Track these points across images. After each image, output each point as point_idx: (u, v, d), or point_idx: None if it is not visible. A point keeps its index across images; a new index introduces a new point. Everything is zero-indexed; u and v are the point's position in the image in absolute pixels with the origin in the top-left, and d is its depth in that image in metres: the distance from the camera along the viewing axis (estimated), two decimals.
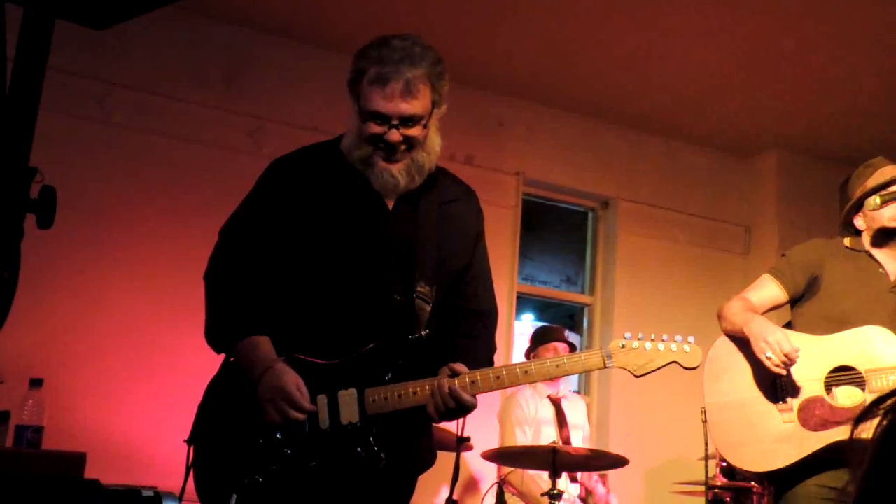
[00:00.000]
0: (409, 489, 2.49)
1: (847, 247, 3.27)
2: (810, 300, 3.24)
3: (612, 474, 5.37)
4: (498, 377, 2.30)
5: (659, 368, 2.32)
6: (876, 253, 3.24)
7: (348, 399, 2.29)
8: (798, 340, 3.07)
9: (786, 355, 2.91)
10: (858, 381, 3.00)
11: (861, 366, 3.01)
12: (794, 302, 3.29)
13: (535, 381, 2.41)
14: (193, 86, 5.40)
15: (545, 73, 5.97)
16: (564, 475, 4.88)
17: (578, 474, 5.12)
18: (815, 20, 5.15)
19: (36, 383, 3.51)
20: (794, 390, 3.04)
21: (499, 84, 6.12)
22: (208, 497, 2.30)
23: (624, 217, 6.58)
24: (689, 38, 5.43)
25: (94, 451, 3.02)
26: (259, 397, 2.28)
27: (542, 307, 7.14)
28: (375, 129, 2.32)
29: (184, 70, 5.41)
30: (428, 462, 2.51)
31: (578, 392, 6.23)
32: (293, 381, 2.26)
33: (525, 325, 7.00)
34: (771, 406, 3.05)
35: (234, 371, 2.37)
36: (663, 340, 2.32)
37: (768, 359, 2.93)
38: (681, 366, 2.31)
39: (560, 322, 6.45)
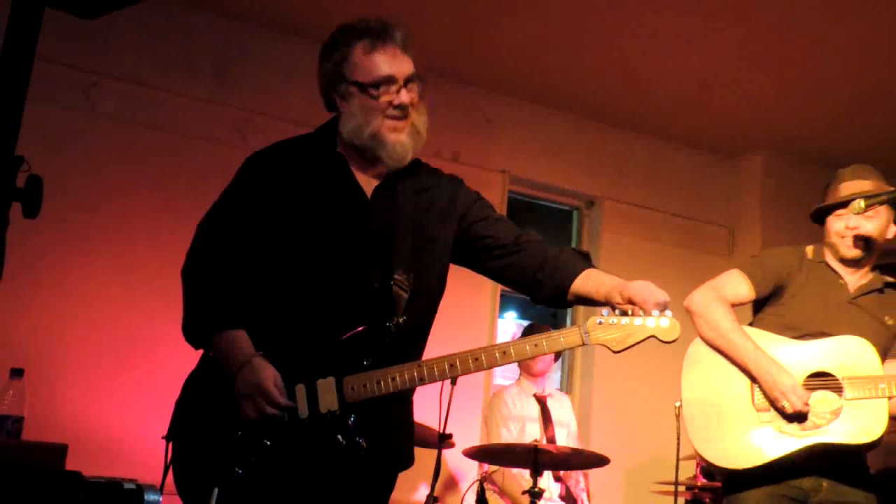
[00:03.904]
0: (389, 485, 2.49)
1: (809, 258, 3.31)
2: (772, 307, 3.29)
3: (593, 473, 5.38)
4: (476, 359, 2.29)
5: (637, 343, 2.28)
6: (835, 264, 3.27)
7: (327, 387, 2.28)
8: (778, 344, 3.13)
9: (800, 411, 3.00)
10: (836, 388, 3.05)
11: (839, 373, 3.07)
12: (757, 305, 3.33)
13: (513, 362, 2.38)
14: (182, 78, 5.38)
15: (534, 71, 5.98)
16: (547, 474, 4.89)
17: (561, 473, 5.13)
18: (801, 24, 5.18)
19: (17, 373, 3.48)
20: None
21: (487, 81, 6.13)
22: (189, 493, 2.28)
23: (608, 216, 6.60)
24: (677, 39, 5.45)
25: (76, 443, 3.01)
26: (236, 393, 2.27)
27: (525, 305, 7.15)
28: (386, 94, 2.36)
29: (173, 62, 5.38)
30: (407, 460, 2.51)
31: (560, 390, 6.25)
32: (270, 377, 2.25)
33: (508, 323, 7.01)
34: (748, 405, 3.09)
35: (213, 365, 2.36)
36: (640, 315, 2.29)
37: (783, 407, 3.02)
38: (659, 339, 2.27)
39: (543, 321, 6.47)
